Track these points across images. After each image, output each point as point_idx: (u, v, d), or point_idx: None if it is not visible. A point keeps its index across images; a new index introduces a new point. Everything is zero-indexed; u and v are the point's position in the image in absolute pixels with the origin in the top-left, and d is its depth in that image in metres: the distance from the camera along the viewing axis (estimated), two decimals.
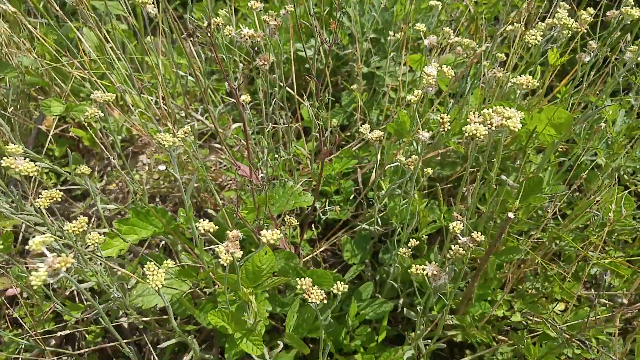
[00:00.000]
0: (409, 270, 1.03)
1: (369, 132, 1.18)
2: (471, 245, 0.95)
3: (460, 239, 0.97)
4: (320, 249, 1.59)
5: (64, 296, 1.75)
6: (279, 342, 1.35)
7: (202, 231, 0.82)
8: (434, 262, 1.01)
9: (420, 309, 1.31)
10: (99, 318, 1.22)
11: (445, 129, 1.02)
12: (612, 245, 1.49)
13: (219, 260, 1.01)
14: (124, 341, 1.56)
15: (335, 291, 0.93)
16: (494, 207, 1.45)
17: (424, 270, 1.01)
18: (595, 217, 1.46)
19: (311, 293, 0.92)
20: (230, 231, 0.86)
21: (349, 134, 1.98)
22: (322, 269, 1.34)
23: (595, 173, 1.59)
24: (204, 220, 0.97)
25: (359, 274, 1.74)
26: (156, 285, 0.91)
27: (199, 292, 1.54)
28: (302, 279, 0.93)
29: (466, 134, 0.87)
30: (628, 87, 1.97)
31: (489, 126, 0.87)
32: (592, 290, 1.49)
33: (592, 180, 1.58)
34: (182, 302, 1.41)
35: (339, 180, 1.80)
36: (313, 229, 1.77)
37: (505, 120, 0.86)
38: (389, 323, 1.71)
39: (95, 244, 1.06)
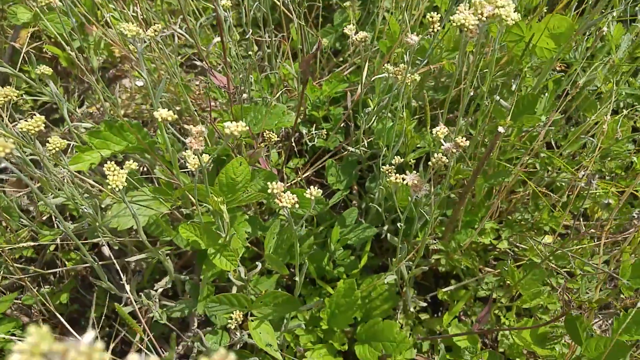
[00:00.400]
0: (387, 180, 0.97)
1: (354, 34, 1.10)
2: (454, 151, 0.89)
3: (443, 145, 0.91)
4: (305, 174, 1.53)
5: (41, 221, 1.70)
6: (257, 263, 1.31)
7: (160, 119, 0.76)
8: (414, 172, 0.95)
9: (402, 231, 1.27)
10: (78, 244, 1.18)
11: (435, 30, 0.94)
12: (606, 172, 1.43)
13: (187, 165, 0.95)
14: (101, 263, 1.53)
15: (308, 196, 0.88)
16: (485, 132, 1.39)
17: (403, 180, 0.95)
18: (590, 144, 1.40)
19: (282, 198, 0.86)
20: (194, 126, 0.79)
21: (341, 59, 1.90)
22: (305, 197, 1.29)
23: (593, 101, 1.52)
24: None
25: (344, 203, 1.69)
26: (117, 185, 0.85)
27: (177, 214, 1.49)
28: (274, 182, 0.87)
29: (454, 24, 0.79)
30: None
31: (480, 16, 0.79)
32: (581, 220, 1.44)
33: (589, 109, 1.51)
34: (159, 223, 1.37)
35: (328, 107, 1.73)
36: (298, 157, 1.71)
37: (498, 9, 0.78)
38: (374, 253, 1.67)
39: (58, 151, 1.00)
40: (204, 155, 0.88)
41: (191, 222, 1.09)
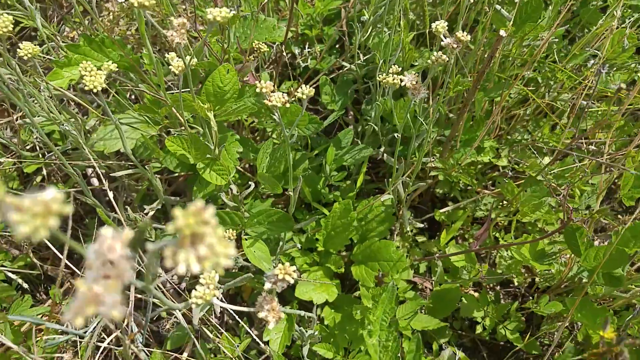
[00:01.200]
0: (384, 81, 0.92)
1: None
2: (455, 46, 0.83)
3: (443, 40, 0.85)
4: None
5: (24, 148, 1.65)
6: (249, 182, 1.28)
7: (137, 4, 0.69)
8: (413, 72, 0.89)
9: (399, 151, 1.22)
10: (62, 165, 1.13)
11: None
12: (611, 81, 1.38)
13: (170, 67, 0.89)
14: (90, 187, 1.49)
15: (300, 95, 0.83)
16: (485, 45, 1.32)
17: (401, 81, 0.90)
18: (595, 58, 1.34)
19: (272, 97, 0.81)
20: (175, 18, 0.73)
21: None
22: (296, 105, 1.23)
23: (597, 12, 1.45)
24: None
25: (340, 128, 1.64)
26: (94, 87, 0.79)
27: (166, 136, 1.44)
28: (263, 81, 0.82)
29: None
30: None
31: None
32: (583, 140, 1.40)
33: (593, 20, 1.44)
34: (147, 144, 1.32)
35: (322, 27, 1.65)
36: (291, 80, 1.65)
37: None
38: (370, 179, 1.64)
39: (30, 57, 0.93)
40: (187, 57, 0.82)
41: (178, 135, 1.04)
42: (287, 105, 0.80)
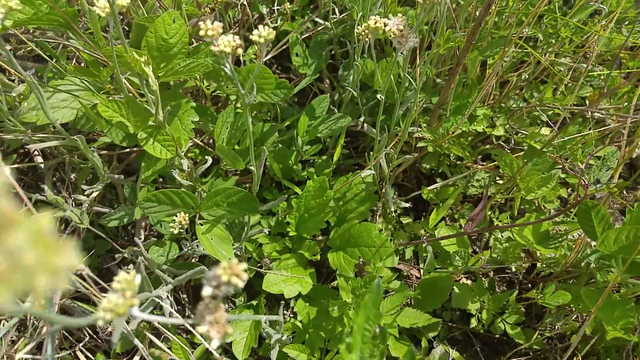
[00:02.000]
0: (363, 32, 0.74)
1: None
2: None
3: None
4: (265, 57, 1.28)
5: None
6: (206, 157, 1.09)
7: None
8: (399, 15, 0.71)
9: (380, 121, 1.04)
10: None
11: None
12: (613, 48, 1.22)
13: (95, 9, 0.70)
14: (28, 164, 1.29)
15: (257, 39, 0.64)
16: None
17: (385, 25, 0.71)
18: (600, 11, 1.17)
19: (219, 43, 0.62)
20: None
21: None
22: (262, 65, 1.04)
23: None
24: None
25: (314, 94, 1.45)
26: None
27: None
28: (208, 22, 0.63)
29: None
30: None
31: None
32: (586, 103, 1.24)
33: None
34: (89, 115, 1.12)
35: None
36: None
37: None
38: (349, 154, 1.46)
39: None
40: None
41: (113, 99, 0.85)
42: (240, 51, 0.61)
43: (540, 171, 1.06)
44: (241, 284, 0.48)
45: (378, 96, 0.88)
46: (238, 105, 1.31)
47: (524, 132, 1.11)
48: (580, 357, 0.82)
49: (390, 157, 1.06)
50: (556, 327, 1.24)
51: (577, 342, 0.77)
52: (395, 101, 1.08)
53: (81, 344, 1.27)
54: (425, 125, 1.12)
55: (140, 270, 0.64)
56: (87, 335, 1.28)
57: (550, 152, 1.08)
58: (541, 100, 1.21)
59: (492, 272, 1.38)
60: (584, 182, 0.81)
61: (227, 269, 0.48)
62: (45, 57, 1.21)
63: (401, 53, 0.73)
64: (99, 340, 1.28)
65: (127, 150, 1.34)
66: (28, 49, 1.43)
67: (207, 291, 0.49)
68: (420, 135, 1.11)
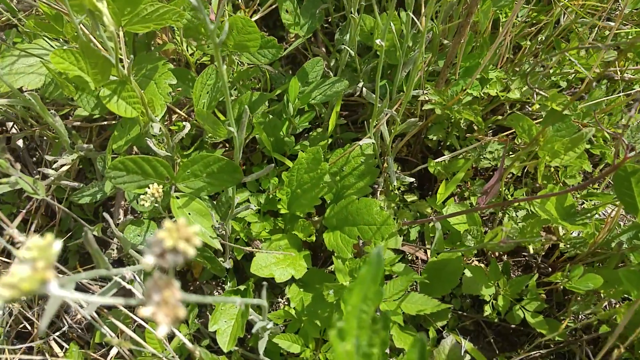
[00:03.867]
0: None
1: None
2: None
3: None
4: (254, 15, 1.15)
5: None
6: (183, 123, 0.96)
7: None
8: None
9: (380, 87, 0.91)
10: None
11: None
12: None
13: None
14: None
15: None
16: None
17: None
18: None
19: None
20: None
21: None
22: (247, 18, 0.91)
23: None
24: None
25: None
26: None
27: None
28: None
29: None
30: None
31: None
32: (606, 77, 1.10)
33: None
34: (58, 81, 0.99)
35: None
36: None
37: None
38: (346, 127, 1.33)
39: None
40: None
41: (66, 49, 0.72)
42: None
43: (564, 137, 0.93)
44: (191, 251, 0.35)
45: (377, 41, 0.75)
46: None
47: (543, 94, 0.98)
48: (622, 350, 0.69)
49: (393, 124, 0.93)
50: (580, 317, 1.11)
51: (617, 334, 0.64)
52: (397, 62, 0.95)
53: (57, 333, 1.15)
54: (431, 87, 0.99)
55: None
56: (65, 324, 1.16)
57: (574, 116, 0.95)
58: (561, 62, 1.08)
59: (505, 256, 1.25)
60: (624, 142, 0.68)
61: (172, 231, 0.35)
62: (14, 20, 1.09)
63: None
64: (81, 330, 1.16)
65: (106, 122, 1.22)
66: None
67: (148, 260, 0.36)
68: (427, 99, 0.98)
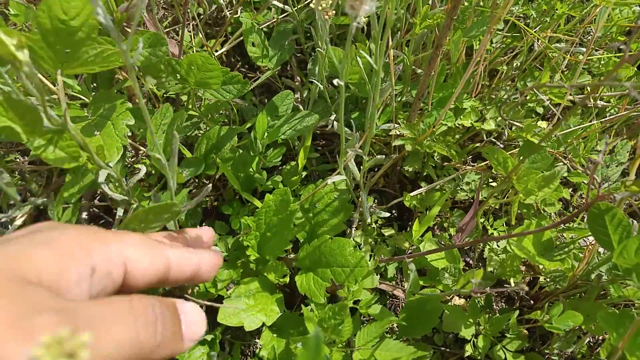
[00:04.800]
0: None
1: None
2: None
3: None
4: (225, 46, 1.11)
5: None
6: (139, 165, 0.91)
7: None
8: None
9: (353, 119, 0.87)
10: None
11: None
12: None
13: None
14: None
15: None
16: None
17: None
18: None
19: None
20: None
21: None
22: (207, 55, 0.87)
23: None
24: None
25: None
26: None
27: None
28: None
29: None
30: None
31: None
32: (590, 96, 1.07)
33: None
34: None
35: None
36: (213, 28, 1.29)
37: None
38: (323, 159, 1.29)
39: None
40: None
41: None
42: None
43: (540, 169, 0.90)
44: None
45: (335, 82, 0.71)
46: (190, 107, 1.14)
47: (518, 124, 0.95)
48: None
49: (362, 159, 0.89)
50: (564, 352, 1.07)
51: None
52: (367, 95, 0.91)
53: None
54: (403, 120, 0.95)
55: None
56: None
57: (549, 146, 0.92)
58: (537, 88, 1.05)
59: (487, 287, 1.21)
60: (596, 180, 0.64)
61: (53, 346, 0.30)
62: None
63: (357, 23, 0.56)
64: None
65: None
66: None
67: None
68: (398, 133, 0.94)
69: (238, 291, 0.97)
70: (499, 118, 1.00)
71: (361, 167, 0.93)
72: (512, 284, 1.07)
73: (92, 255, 0.45)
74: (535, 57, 1.19)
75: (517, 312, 0.96)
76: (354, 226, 1.09)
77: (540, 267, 0.99)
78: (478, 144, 1.19)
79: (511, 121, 0.94)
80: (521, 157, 0.91)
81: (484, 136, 1.15)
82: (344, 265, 0.95)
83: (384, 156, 0.87)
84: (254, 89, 1.33)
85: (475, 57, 0.89)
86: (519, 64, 1.19)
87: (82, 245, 0.45)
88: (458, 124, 1.02)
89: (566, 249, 0.87)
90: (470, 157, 1.31)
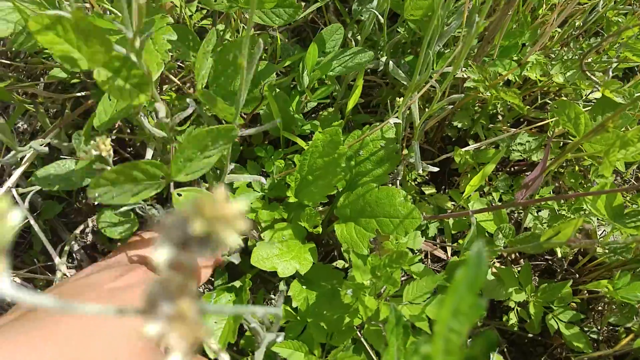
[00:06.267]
0: None
1: None
2: None
3: None
4: None
5: None
6: (187, 100, 0.82)
7: None
8: None
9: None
10: None
11: None
12: None
13: None
14: None
15: None
16: None
17: None
18: None
19: None
20: None
21: None
22: None
23: None
24: None
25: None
26: None
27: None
28: None
29: None
30: None
31: None
32: None
33: None
34: (30, 29, 0.83)
35: None
36: None
37: None
38: (358, 110, 1.20)
39: None
40: None
41: (55, 14, 0.56)
42: None
43: (619, 128, 0.82)
44: (234, 241, 0.22)
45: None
46: (227, 36, 1.04)
47: (595, 79, 0.87)
48: None
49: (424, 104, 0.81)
50: (602, 330, 1.01)
51: None
52: (429, 34, 0.82)
53: None
54: (471, 62, 0.86)
55: None
56: None
57: (631, 106, 0.84)
58: (605, 50, 0.97)
59: (522, 259, 1.15)
60: None
61: (204, 207, 0.22)
62: None
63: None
64: None
65: (84, 93, 1.06)
66: None
67: (161, 253, 0.22)
68: (466, 76, 0.86)
69: (271, 236, 0.88)
70: (568, 73, 0.92)
71: (421, 114, 0.84)
72: (559, 255, 1.00)
73: None
74: (596, 20, 1.11)
75: (571, 281, 0.89)
76: (397, 180, 1.01)
77: (599, 235, 0.92)
78: (528, 107, 1.11)
79: (589, 71, 0.86)
80: (596, 115, 0.84)
81: (539, 97, 1.07)
82: (393, 216, 0.87)
83: (461, 95, 0.78)
84: (286, 31, 1.23)
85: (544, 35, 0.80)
86: (580, 24, 1.10)
87: None
88: (521, 76, 0.94)
89: (639, 217, 0.80)
90: (510, 124, 1.23)
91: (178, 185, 0.74)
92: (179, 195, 0.72)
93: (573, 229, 0.65)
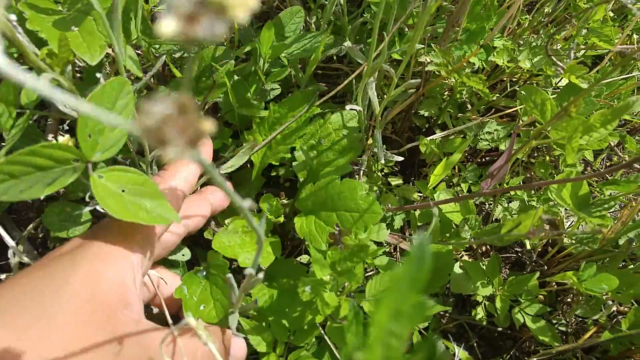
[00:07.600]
0: None
1: None
2: None
3: None
4: None
5: None
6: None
7: None
8: None
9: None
10: None
11: None
12: None
13: None
14: None
15: None
16: None
17: None
18: None
19: None
20: None
21: None
22: None
23: None
24: None
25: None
26: None
27: None
28: None
29: None
30: None
31: None
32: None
33: None
34: None
35: None
36: None
37: None
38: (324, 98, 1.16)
39: None
40: None
41: None
42: None
43: (584, 115, 0.80)
44: (242, 17, 0.19)
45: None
46: None
47: (560, 64, 0.84)
48: None
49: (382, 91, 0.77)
50: (571, 322, 0.99)
51: None
52: (390, 18, 0.79)
53: None
54: (434, 46, 0.83)
55: None
56: None
57: (596, 93, 0.82)
58: (571, 37, 0.95)
59: (491, 251, 1.12)
60: None
61: None
62: None
63: None
64: None
65: None
66: None
67: (167, 25, 0.18)
68: (428, 60, 0.82)
69: (235, 225, 0.84)
70: (535, 59, 0.89)
71: (380, 101, 0.80)
72: (528, 247, 0.98)
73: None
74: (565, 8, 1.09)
75: (538, 273, 0.87)
76: (361, 171, 0.97)
77: (567, 226, 0.90)
78: (498, 95, 1.08)
79: (556, 58, 0.83)
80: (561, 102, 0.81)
81: (508, 85, 1.04)
82: (353, 210, 0.83)
83: (417, 80, 0.74)
84: (251, 15, 1.18)
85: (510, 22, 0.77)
86: (549, 11, 1.08)
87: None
88: (487, 62, 0.91)
89: (605, 206, 0.77)
90: (481, 113, 1.20)
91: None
92: (100, 177, 0.63)
93: (532, 220, 0.62)
